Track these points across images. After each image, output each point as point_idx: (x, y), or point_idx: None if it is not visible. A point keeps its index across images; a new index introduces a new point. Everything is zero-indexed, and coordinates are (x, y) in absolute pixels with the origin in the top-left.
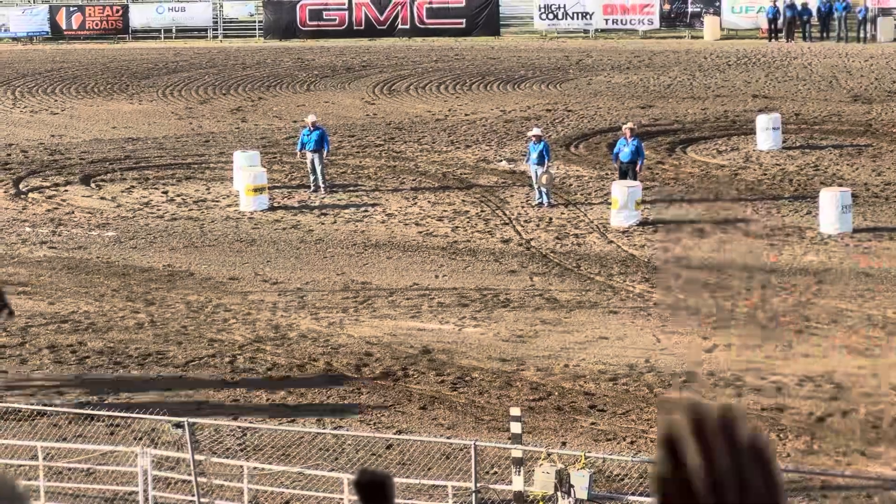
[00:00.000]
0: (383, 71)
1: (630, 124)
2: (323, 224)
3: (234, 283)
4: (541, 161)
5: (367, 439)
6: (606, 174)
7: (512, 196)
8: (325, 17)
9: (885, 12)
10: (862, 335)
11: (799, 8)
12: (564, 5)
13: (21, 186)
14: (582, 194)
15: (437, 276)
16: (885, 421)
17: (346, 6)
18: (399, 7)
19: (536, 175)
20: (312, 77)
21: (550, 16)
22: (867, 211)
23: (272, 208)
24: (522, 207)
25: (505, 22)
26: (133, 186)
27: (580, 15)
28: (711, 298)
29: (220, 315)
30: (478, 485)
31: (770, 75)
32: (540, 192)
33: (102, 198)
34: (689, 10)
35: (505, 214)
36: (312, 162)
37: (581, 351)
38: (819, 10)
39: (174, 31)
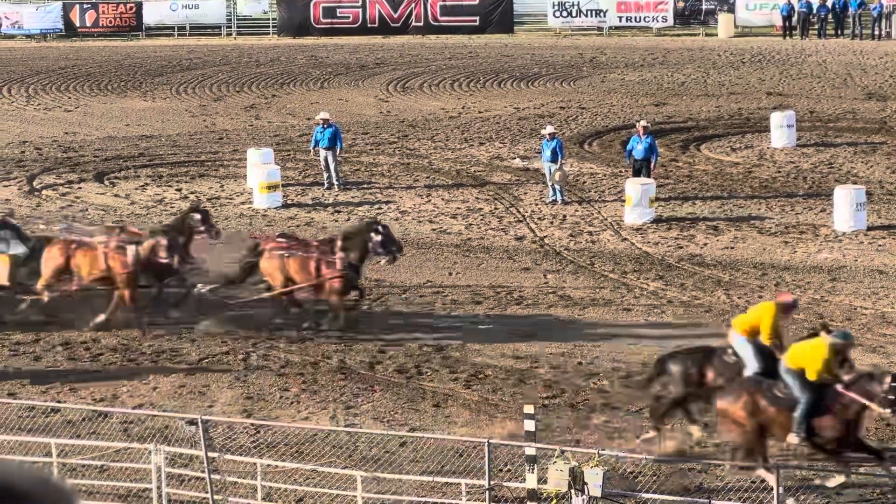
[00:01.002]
0: (397, 68)
1: (644, 122)
2: (336, 221)
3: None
4: (554, 158)
5: (381, 436)
6: (620, 171)
7: (525, 193)
8: (338, 14)
9: None
10: (876, 333)
11: (814, 5)
12: (578, 3)
13: (35, 184)
14: (595, 192)
15: (450, 274)
16: None
17: (359, 4)
18: (413, 4)
19: (550, 172)
20: (326, 74)
21: (564, 13)
22: (882, 208)
23: (286, 206)
24: (536, 205)
25: (519, 19)
26: (147, 184)
27: (594, 12)
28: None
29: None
30: (491, 482)
31: (784, 72)
32: (553, 190)
33: (116, 195)
34: (704, 7)
35: (518, 212)
36: (326, 159)
37: (595, 349)
38: (834, 6)
39: (188, 28)
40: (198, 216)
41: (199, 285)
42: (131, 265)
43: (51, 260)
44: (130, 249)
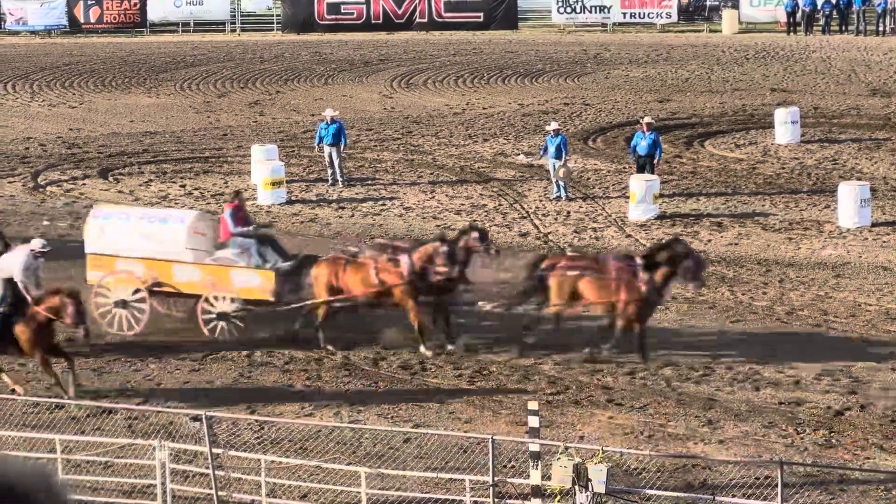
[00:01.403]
0: (401, 65)
1: (648, 118)
2: (341, 218)
3: None
4: (559, 155)
5: (385, 433)
6: (624, 168)
7: (530, 190)
8: (342, 10)
9: None
10: (881, 329)
11: (818, 1)
12: None
13: (39, 180)
14: (600, 188)
15: None
16: None
17: (364, 0)
18: (417, 1)
19: (554, 169)
20: (330, 71)
21: (568, 9)
22: (886, 205)
23: (290, 202)
24: (540, 201)
25: (523, 16)
26: (151, 180)
27: (598, 9)
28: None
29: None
30: (495, 479)
31: (788, 69)
32: (558, 186)
33: (120, 191)
34: (708, 3)
35: (523, 208)
36: (330, 156)
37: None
38: (838, 3)
39: (192, 24)
40: (476, 234)
41: (481, 302)
42: (407, 275)
43: (321, 277)
44: (404, 259)
